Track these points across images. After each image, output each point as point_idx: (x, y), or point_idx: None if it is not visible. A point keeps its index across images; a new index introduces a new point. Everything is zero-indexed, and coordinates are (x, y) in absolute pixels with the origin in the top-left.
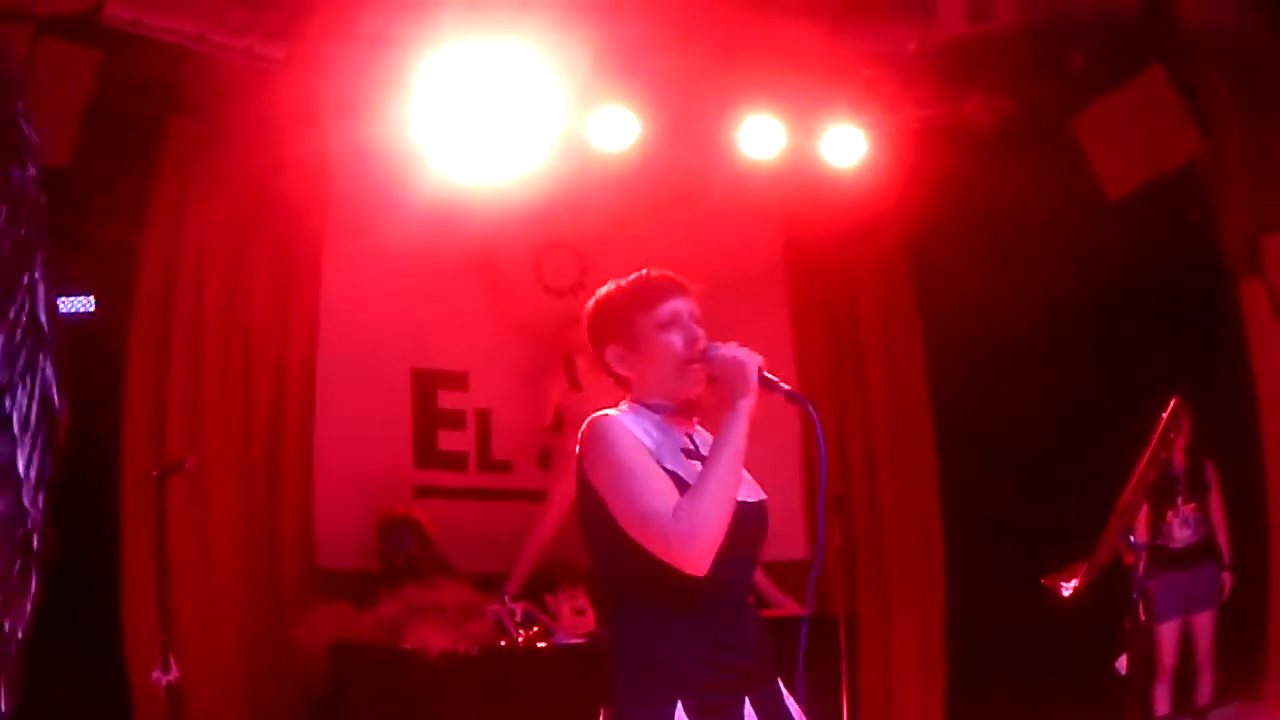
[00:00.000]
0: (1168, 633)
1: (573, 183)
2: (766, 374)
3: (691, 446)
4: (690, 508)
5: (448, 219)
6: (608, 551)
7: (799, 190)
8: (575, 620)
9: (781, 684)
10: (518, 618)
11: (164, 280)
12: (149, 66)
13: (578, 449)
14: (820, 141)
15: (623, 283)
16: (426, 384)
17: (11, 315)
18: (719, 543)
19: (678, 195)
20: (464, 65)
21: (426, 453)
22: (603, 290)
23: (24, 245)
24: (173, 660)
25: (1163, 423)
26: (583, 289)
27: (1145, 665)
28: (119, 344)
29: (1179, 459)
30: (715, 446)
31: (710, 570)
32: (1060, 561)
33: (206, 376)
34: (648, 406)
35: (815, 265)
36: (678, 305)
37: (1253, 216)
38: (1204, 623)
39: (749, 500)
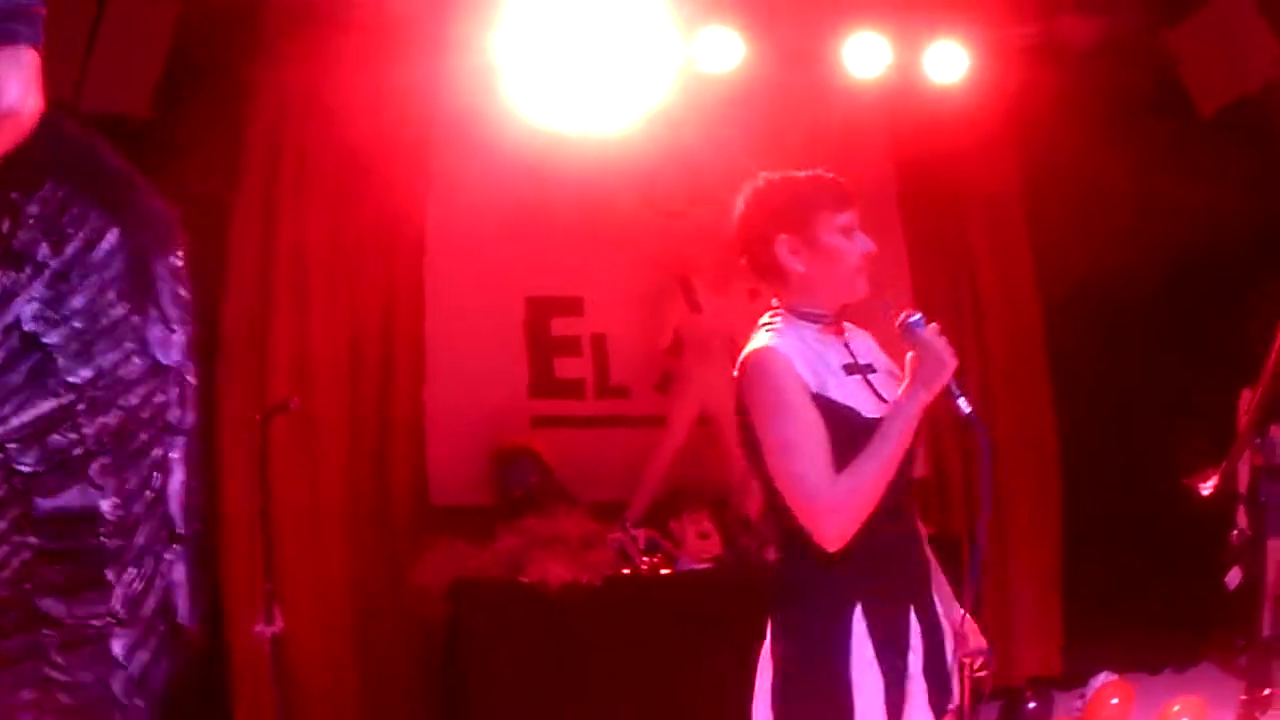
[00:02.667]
0: (1275, 550)
1: (680, 105)
2: (954, 382)
3: (851, 359)
4: (845, 489)
5: (555, 145)
6: (771, 479)
7: (906, 108)
8: (700, 545)
9: (935, 595)
10: (641, 545)
11: (261, 227)
12: (230, 10)
13: (736, 376)
14: (924, 58)
15: (800, 176)
16: (540, 311)
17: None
18: (860, 524)
19: (785, 115)
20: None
21: (542, 381)
22: (775, 177)
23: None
24: (277, 611)
25: None
26: (694, 208)
27: (1252, 583)
28: (215, 292)
29: None
30: (881, 435)
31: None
32: (1176, 478)
33: (311, 317)
34: (802, 316)
35: (926, 184)
36: (855, 216)
37: None
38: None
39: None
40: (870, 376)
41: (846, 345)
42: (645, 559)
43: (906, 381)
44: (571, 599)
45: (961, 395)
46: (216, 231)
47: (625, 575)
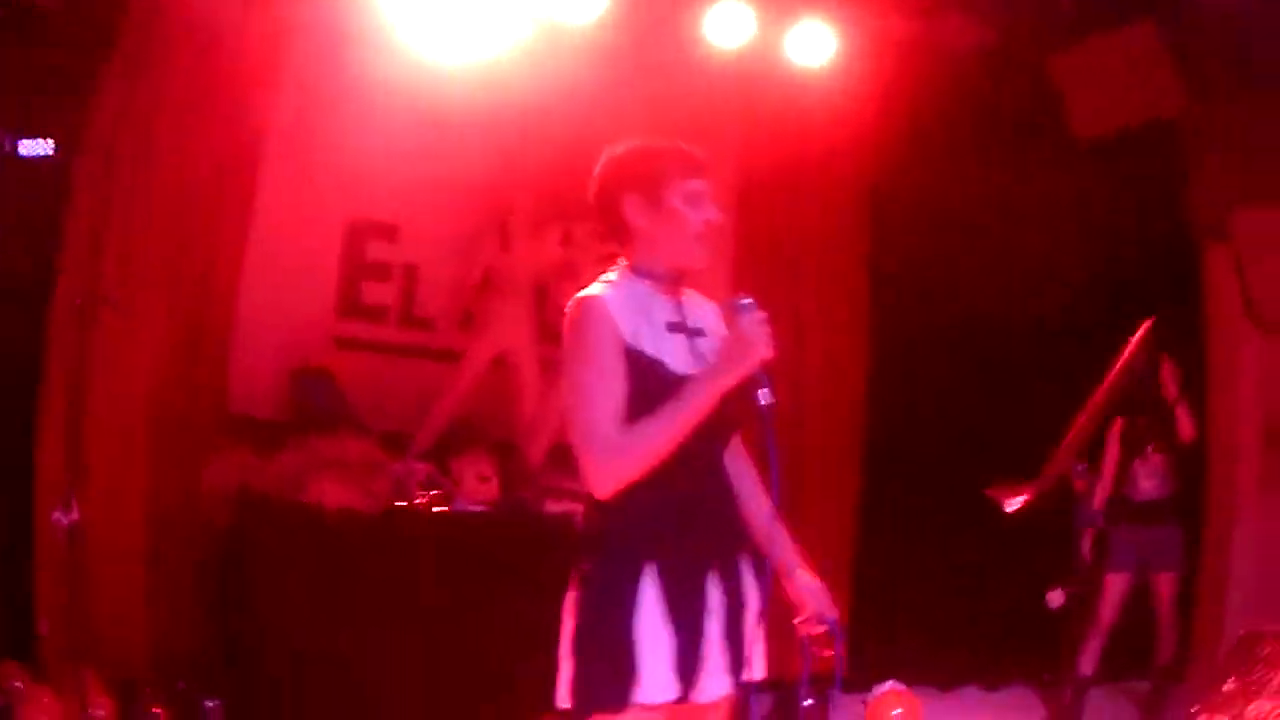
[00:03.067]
0: (1114, 586)
1: (533, 52)
2: (763, 374)
3: (678, 318)
4: (623, 442)
5: (404, 73)
6: (565, 420)
7: (761, 88)
8: (478, 486)
9: (746, 560)
10: (420, 478)
11: (115, 122)
12: None
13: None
14: (787, 37)
15: (656, 143)
16: (357, 234)
17: None
18: (629, 482)
19: (637, 78)
20: None
21: (350, 304)
22: (633, 143)
23: None
24: (74, 500)
25: (1133, 344)
26: (527, 152)
27: (1080, 613)
28: (63, 183)
29: (1158, 406)
30: (674, 401)
31: (685, 447)
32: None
33: (146, 216)
34: (639, 272)
35: (767, 166)
36: (705, 185)
37: (1226, 185)
38: (1166, 582)
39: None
40: (697, 340)
41: (679, 305)
42: (423, 493)
43: (715, 359)
44: (348, 524)
45: (766, 388)
46: (75, 111)
47: (402, 507)
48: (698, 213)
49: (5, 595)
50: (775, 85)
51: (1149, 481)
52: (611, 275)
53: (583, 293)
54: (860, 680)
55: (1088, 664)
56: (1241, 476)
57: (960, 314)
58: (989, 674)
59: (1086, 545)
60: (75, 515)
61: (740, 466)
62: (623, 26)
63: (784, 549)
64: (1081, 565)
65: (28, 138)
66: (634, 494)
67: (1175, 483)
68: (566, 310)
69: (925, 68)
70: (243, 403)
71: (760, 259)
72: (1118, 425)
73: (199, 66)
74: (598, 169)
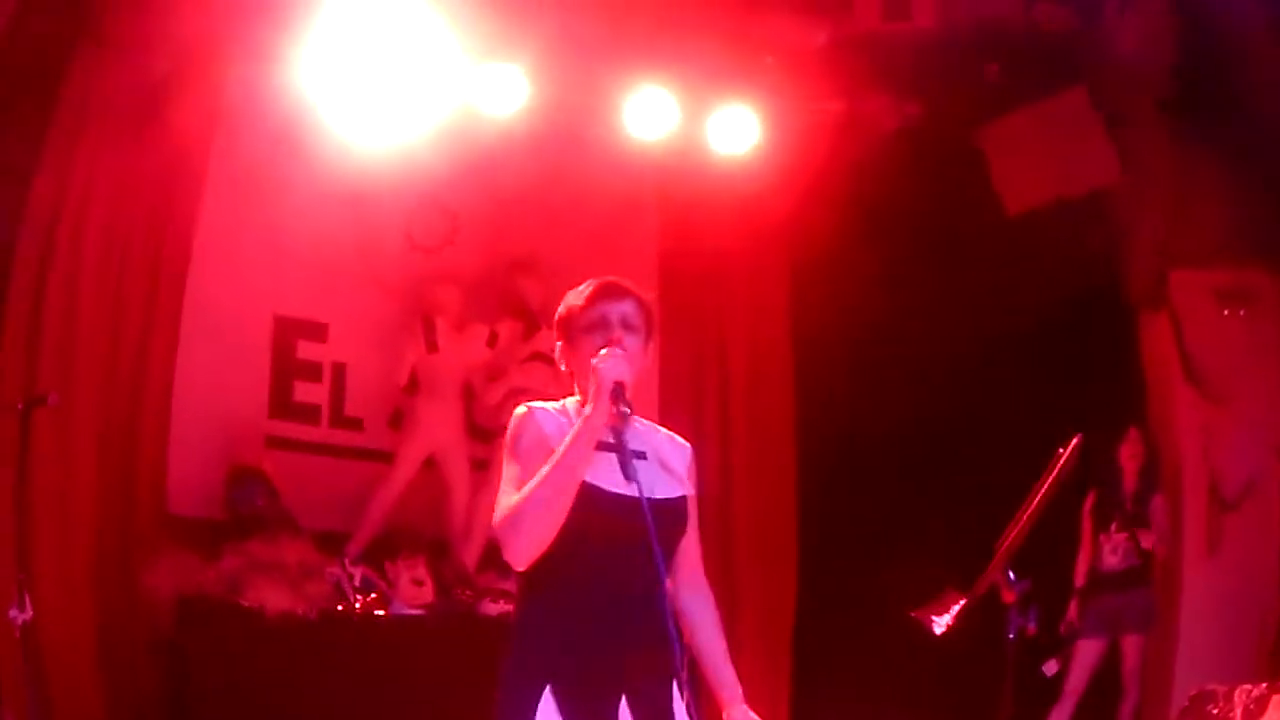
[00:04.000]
0: (1086, 652)
1: (455, 142)
2: (620, 392)
3: (610, 439)
4: (509, 506)
5: (328, 170)
6: None
7: (683, 176)
8: (413, 590)
9: (676, 687)
10: (356, 582)
11: (51, 212)
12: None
13: None
14: (709, 123)
15: (581, 294)
16: (288, 332)
17: None
18: (534, 541)
19: (559, 169)
20: (361, 14)
21: (281, 403)
22: (570, 297)
23: None
24: (28, 599)
25: (1059, 461)
26: (451, 248)
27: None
28: (5, 272)
29: (1128, 485)
30: (556, 454)
31: (594, 561)
32: (913, 581)
33: (80, 311)
34: (581, 395)
35: (690, 256)
36: (606, 309)
37: (1161, 251)
38: (1132, 644)
39: (638, 496)
40: (635, 461)
41: (613, 428)
42: (360, 597)
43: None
44: (288, 628)
45: (624, 402)
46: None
47: (340, 611)
48: (596, 338)
49: None
50: (698, 172)
51: (1113, 557)
52: (558, 404)
53: (521, 407)
54: None
55: None
56: (1188, 539)
57: (889, 398)
58: None
59: (1074, 613)
60: (29, 614)
61: (699, 601)
62: (545, 116)
63: (728, 686)
64: (1071, 631)
65: None
66: (541, 611)
67: (1139, 556)
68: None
69: (850, 148)
70: (181, 502)
71: (684, 343)
72: (1090, 499)
73: (129, 153)
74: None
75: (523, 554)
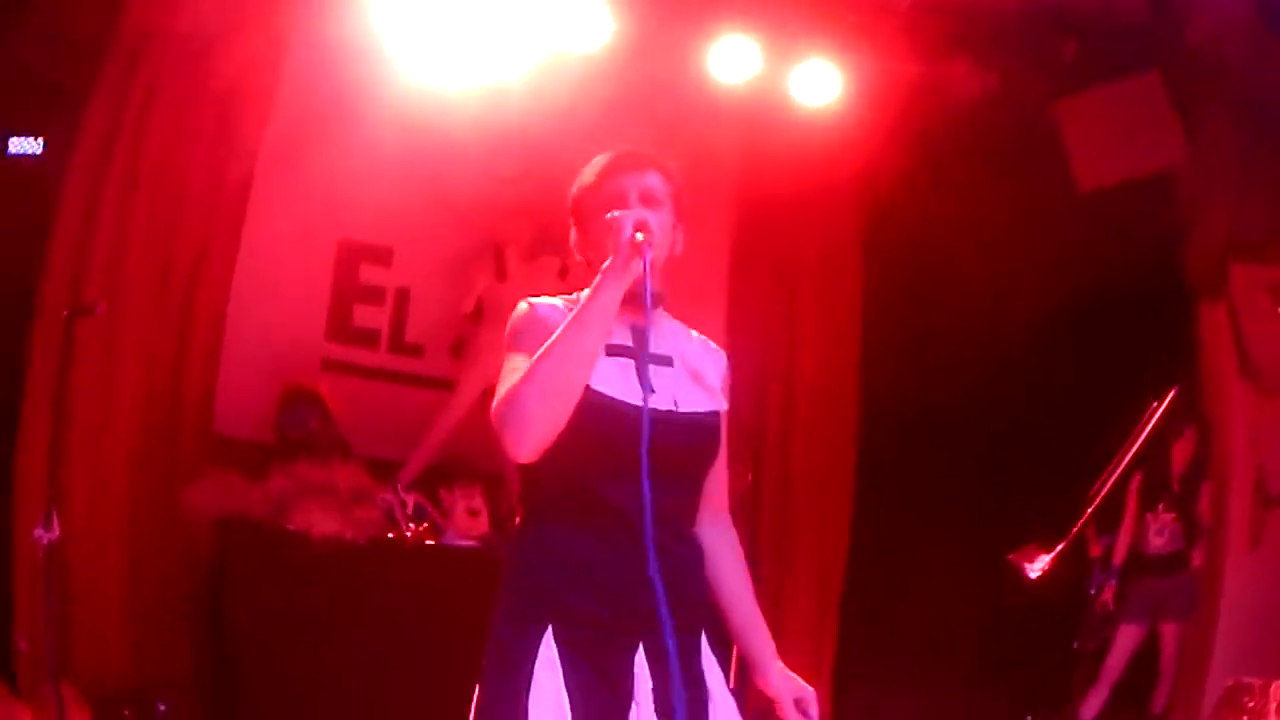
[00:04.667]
0: (1126, 637)
1: (537, 78)
2: (641, 238)
3: (625, 342)
4: (511, 388)
5: (404, 96)
6: None
7: (763, 126)
8: (468, 520)
9: (705, 639)
10: (409, 510)
11: (108, 129)
12: None
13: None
14: (792, 75)
15: (594, 169)
16: (350, 256)
17: None
18: (535, 426)
19: (641, 108)
20: None
21: (340, 326)
22: (583, 173)
23: None
24: (55, 518)
25: (1153, 412)
26: (528, 179)
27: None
28: (59, 185)
29: (1176, 467)
30: (564, 325)
31: (601, 484)
32: (969, 542)
33: (134, 226)
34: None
35: (765, 202)
36: (625, 183)
37: (1225, 241)
38: (1170, 632)
39: (656, 407)
40: (656, 367)
41: (635, 330)
42: (412, 525)
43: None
44: (334, 553)
45: (647, 251)
46: (67, 123)
47: (389, 539)
48: (621, 227)
49: None
50: (778, 121)
51: (1159, 538)
52: (568, 296)
53: (523, 303)
54: None
55: (1089, 711)
56: (1231, 532)
57: (951, 361)
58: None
59: (1108, 597)
60: (56, 533)
61: (723, 540)
62: (627, 56)
63: (759, 640)
64: (1095, 619)
65: (17, 135)
66: (545, 541)
67: (1185, 540)
68: None
69: (928, 111)
70: (229, 423)
71: (756, 288)
72: (1136, 481)
73: (192, 76)
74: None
75: (522, 442)
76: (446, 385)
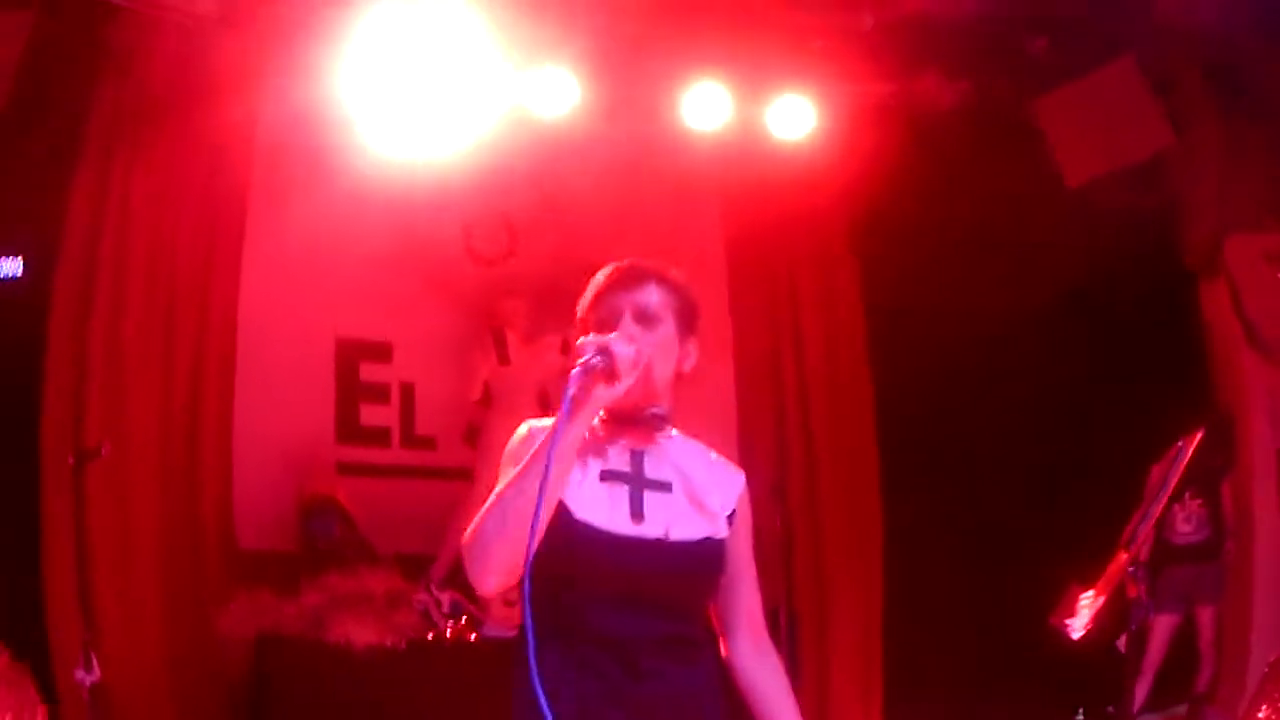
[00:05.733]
0: (1160, 628)
1: (507, 150)
2: (604, 368)
3: (622, 467)
4: (476, 520)
5: (376, 184)
6: None
7: (743, 165)
8: (505, 611)
9: None
10: (445, 608)
11: (87, 247)
12: (82, 25)
13: None
14: (767, 113)
15: (591, 290)
16: (349, 355)
17: None
18: (495, 563)
19: (616, 168)
20: (400, 26)
21: (349, 428)
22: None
23: None
24: (94, 658)
25: (1183, 454)
26: (513, 258)
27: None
28: (43, 312)
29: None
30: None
31: (587, 615)
32: (1000, 560)
33: (126, 352)
34: (604, 420)
35: (756, 246)
36: (619, 301)
37: (1217, 216)
38: (1207, 615)
39: (645, 536)
40: (651, 492)
41: (634, 454)
42: (450, 623)
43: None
44: (376, 661)
45: (588, 359)
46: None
47: (430, 640)
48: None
49: None
50: (757, 162)
51: (1186, 525)
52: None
53: (523, 425)
54: None
55: (1136, 699)
56: (1258, 504)
57: (961, 374)
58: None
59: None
60: (97, 674)
61: (764, 664)
62: (597, 116)
63: None
64: (1142, 606)
65: None
66: (530, 659)
67: (1212, 527)
68: None
69: (906, 127)
70: (250, 536)
71: (757, 333)
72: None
73: (168, 174)
74: None
75: (481, 575)
76: (464, 474)
